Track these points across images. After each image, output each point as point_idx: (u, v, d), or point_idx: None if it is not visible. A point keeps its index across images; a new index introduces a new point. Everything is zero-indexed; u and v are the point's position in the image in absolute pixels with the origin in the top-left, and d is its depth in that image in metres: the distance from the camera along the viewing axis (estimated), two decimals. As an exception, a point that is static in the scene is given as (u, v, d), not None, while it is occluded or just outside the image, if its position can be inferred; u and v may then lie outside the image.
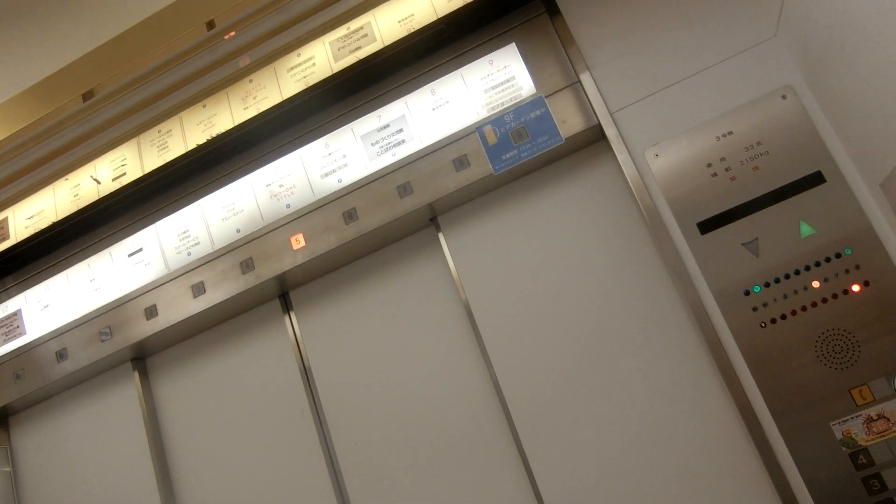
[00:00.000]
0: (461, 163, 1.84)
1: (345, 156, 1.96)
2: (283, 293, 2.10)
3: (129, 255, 2.13)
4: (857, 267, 1.49)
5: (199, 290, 2.01)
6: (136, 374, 2.15)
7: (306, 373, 2.02)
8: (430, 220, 1.97)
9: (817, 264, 1.52)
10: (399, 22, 1.94)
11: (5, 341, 2.20)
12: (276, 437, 2.00)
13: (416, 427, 1.89)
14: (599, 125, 1.74)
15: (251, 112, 2.02)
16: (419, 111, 1.92)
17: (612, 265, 1.78)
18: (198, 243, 2.06)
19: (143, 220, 2.16)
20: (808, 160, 1.56)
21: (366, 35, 1.97)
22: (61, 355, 2.12)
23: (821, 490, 1.44)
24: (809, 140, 1.57)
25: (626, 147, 1.70)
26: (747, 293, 1.55)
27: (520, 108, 1.83)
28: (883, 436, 1.42)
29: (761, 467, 1.50)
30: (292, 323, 2.07)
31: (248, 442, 2.03)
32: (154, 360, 2.20)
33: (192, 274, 2.03)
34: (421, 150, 1.89)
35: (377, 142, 1.94)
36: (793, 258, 1.54)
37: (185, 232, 2.08)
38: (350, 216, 1.91)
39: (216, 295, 1.99)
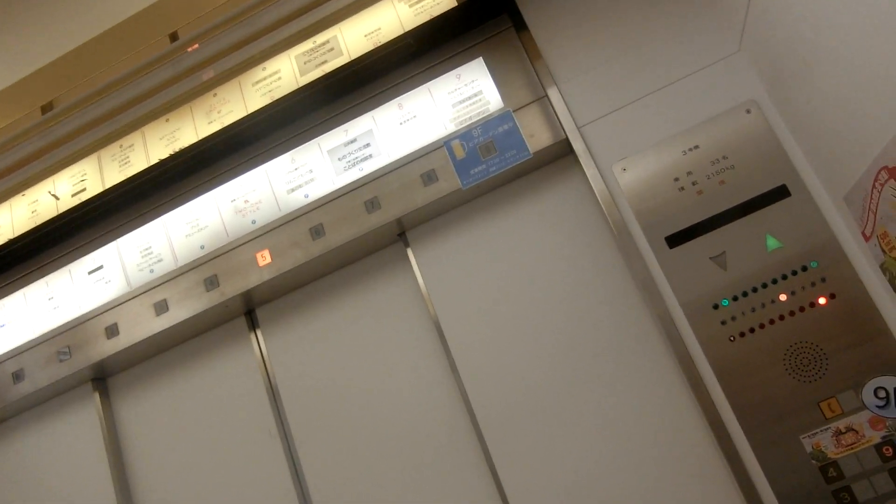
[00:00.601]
0: (429, 177, 1.83)
1: (311, 171, 1.94)
2: (249, 310, 2.06)
3: (90, 273, 2.07)
4: (823, 280, 1.50)
5: (161, 308, 1.97)
6: (97, 395, 2.09)
7: (273, 392, 1.98)
8: (399, 235, 1.95)
9: (784, 277, 1.52)
10: (366, 36, 1.93)
11: (-41, 362, 2.13)
12: (243, 459, 1.95)
13: (386, 445, 1.85)
14: (567, 139, 1.74)
15: (215, 126, 2.00)
16: (386, 125, 1.91)
17: (581, 279, 1.78)
18: (160, 260, 2.01)
19: (103, 237, 2.10)
20: (773, 174, 1.57)
21: (332, 49, 1.95)
22: (18, 376, 2.05)
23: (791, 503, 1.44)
24: (774, 154, 1.58)
25: (594, 161, 1.70)
26: (716, 307, 1.55)
27: (488, 123, 1.82)
28: (852, 448, 1.42)
29: (732, 481, 1.50)
30: (258, 341, 2.03)
31: (213, 464, 1.98)
32: (115, 381, 2.14)
33: (154, 291, 1.99)
34: (389, 165, 1.87)
35: (344, 156, 1.92)
36: (760, 271, 1.54)
37: (147, 249, 2.03)
38: (317, 232, 1.88)
39: (180, 313, 1.95)
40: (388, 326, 1.93)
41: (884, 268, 1.41)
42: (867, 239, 1.42)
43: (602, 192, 1.68)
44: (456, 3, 1.86)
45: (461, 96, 1.88)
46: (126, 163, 2.07)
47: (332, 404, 1.92)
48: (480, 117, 1.84)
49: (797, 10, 1.33)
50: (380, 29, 1.92)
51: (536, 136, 1.78)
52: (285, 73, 1.98)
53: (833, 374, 1.46)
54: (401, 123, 1.90)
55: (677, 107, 1.68)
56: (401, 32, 1.89)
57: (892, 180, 1.24)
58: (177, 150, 2.01)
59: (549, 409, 1.73)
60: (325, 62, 1.95)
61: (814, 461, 1.44)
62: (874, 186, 1.31)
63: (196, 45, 1.95)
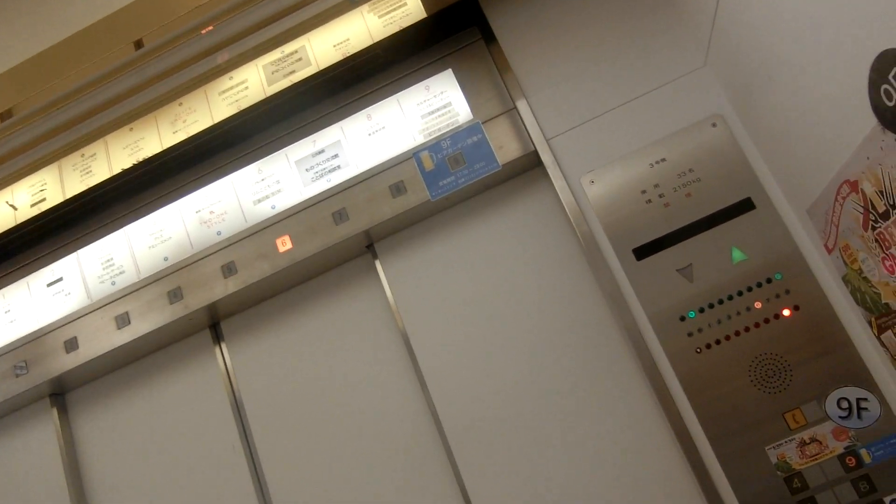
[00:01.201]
0: (398, 189, 1.82)
1: (278, 181, 1.92)
2: (214, 323, 2.03)
3: (48, 285, 2.02)
4: (787, 291, 1.52)
5: (123, 321, 1.92)
6: (55, 411, 2.03)
7: (238, 406, 1.95)
8: (367, 247, 1.93)
9: (749, 289, 1.54)
10: (335, 46, 1.92)
11: (-90, 378, 2.06)
12: (207, 475, 1.91)
13: (353, 460, 1.83)
14: (536, 151, 1.74)
15: (181, 136, 1.96)
16: (355, 136, 1.89)
17: (550, 291, 1.78)
18: (122, 272, 1.97)
19: (63, 248, 2.06)
20: (738, 187, 1.59)
21: (300, 59, 1.94)
22: (-28, 392, 1.99)
23: (757, 514, 1.45)
24: (739, 167, 1.60)
25: (563, 173, 1.70)
26: (683, 318, 1.56)
27: (457, 134, 1.82)
28: (816, 459, 1.44)
29: (699, 492, 1.50)
30: (223, 354, 2.00)
31: (176, 481, 1.93)
32: (74, 396, 2.08)
33: (116, 304, 1.94)
34: (357, 176, 1.86)
35: (312, 167, 1.90)
36: (725, 284, 1.56)
37: (108, 260, 1.99)
38: (284, 243, 1.86)
39: (142, 326, 1.91)
40: (355, 339, 1.91)
41: (846, 280, 1.43)
42: (830, 251, 1.45)
43: (570, 204, 1.68)
44: (425, 15, 1.86)
45: (430, 108, 1.87)
46: (88, 172, 2.03)
47: (298, 419, 1.89)
48: (449, 129, 1.84)
49: (761, 26, 1.36)
50: (349, 39, 1.91)
51: (505, 148, 1.79)
52: (252, 82, 1.96)
53: (797, 385, 1.48)
54: (369, 134, 1.89)
55: (644, 120, 1.69)
56: (370, 43, 1.88)
57: (854, 194, 1.26)
58: (140, 159, 1.97)
59: (516, 421, 1.73)
60: (293, 72, 1.93)
61: (779, 472, 1.45)
62: (836, 200, 1.33)
63: (161, 54, 1.92)
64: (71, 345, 1.94)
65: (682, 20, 1.72)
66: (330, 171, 1.88)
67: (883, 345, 1.38)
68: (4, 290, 2.06)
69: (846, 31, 1.10)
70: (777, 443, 1.46)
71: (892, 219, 1.17)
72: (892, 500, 1.39)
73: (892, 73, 1.02)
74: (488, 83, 1.85)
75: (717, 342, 1.53)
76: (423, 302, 1.85)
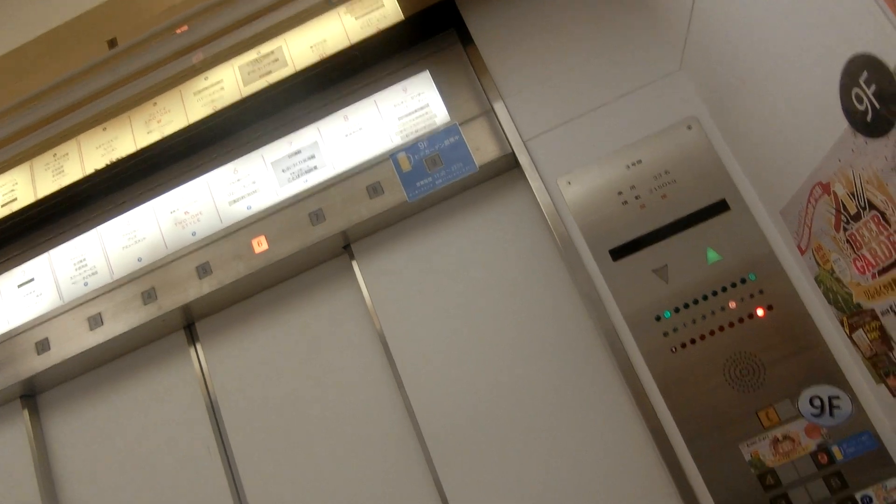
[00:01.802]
0: (375, 190, 1.82)
1: (254, 182, 1.91)
2: (189, 324, 2.01)
3: (19, 286, 1.99)
4: (761, 291, 1.54)
5: (96, 322, 1.90)
6: (26, 413, 2.00)
7: (213, 408, 1.93)
8: (344, 247, 1.93)
9: (724, 290, 1.56)
10: (311, 47, 1.92)
11: None
12: (181, 477, 1.89)
13: (329, 461, 1.82)
14: (513, 153, 1.75)
15: (155, 136, 1.95)
16: (332, 137, 1.89)
17: (527, 292, 1.79)
18: (95, 273, 1.94)
19: (35, 249, 2.02)
20: (712, 189, 1.61)
21: (277, 59, 1.93)
22: (-60, 394, 1.95)
23: (731, 512, 1.46)
24: (714, 169, 1.62)
25: (539, 175, 1.71)
26: (658, 318, 1.58)
27: (434, 136, 1.82)
28: (789, 456, 1.46)
29: (674, 490, 1.51)
30: (198, 355, 1.98)
31: (150, 483, 1.91)
32: (46, 398, 2.05)
33: (88, 305, 1.92)
34: (334, 177, 1.85)
35: (288, 168, 1.89)
36: (700, 284, 1.57)
37: (81, 261, 1.96)
38: (260, 244, 1.85)
39: (115, 327, 1.88)
40: (332, 340, 1.90)
41: (818, 280, 1.45)
42: (803, 252, 1.47)
43: (547, 205, 1.69)
44: (402, 17, 1.86)
45: (407, 109, 1.87)
46: (60, 172, 2.00)
47: (273, 420, 1.88)
48: (427, 130, 1.84)
49: (735, 30, 1.38)
50: (325, 41, 1.91)
51: (482, 150, 1.79)
52: (228, 82, 1.95)
53: (770, 383, 1.50)
54: (346, 135, 1.88)
55: (621, 122, 1.71)
56: (347, 45, 1.88)
57: (826, 196, 1.28)
58: (114, 159, 1.95)
59: (494, 422, 1.73)
60: (269, 73, 1.92)
61: (752, 469, 1.47)
62: (809, 201, 1.35)
63: (136, 52, 1.90)
64: (42, 346, 1.91)
65: (658, 24, 1.74)
66: (307, 172, 1.88)
67: (854, 344, 1.41)
68: (-26, 291, 2.02)
69: (818, 37, 1.12)
70: (751, 440, 1.48)
71: (863, 220, 1.19)
72: (863, 496, 1.41)
73: (862, 78, 1.04)
74: (465, 85, 1.86)
75: (692, 342, 1.55)
76: (400, 303, 1.85)
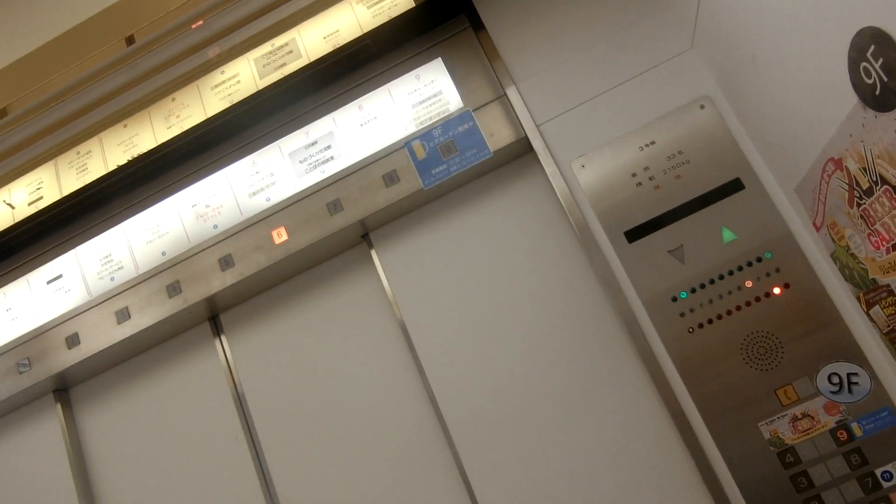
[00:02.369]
0: (391, 178, 1.83)
1: (272, 174, 1.93)
2: (213, 316, 2.05)
3: (48, 283, 2.04)
4: (778, 270, 1.54)
5: (123, 315, 1.94)
6: (59, 407, 2.06)
7: (239, 397, 1.97)
8: (362, 237, 1.95)
9: (740, 269, 1.56)
10: (324, 38, 1.93)
11: (-85, 377, 2.08)
12: (210, 466, 1.94)
13: (353, 449, 1.85)
14: (527, 137, 1.75)
15: (174, 131, 1.98)
16: (347, 127, 1.91)
17: (544, 276, 1.79)
18: (121, 268, 1.99)
19: (62, 246, 2.07)
20: (727, 168, 1.61)
21: (291, 51, 1.95)
22: (-24, 390, 2.01)
23: (752, 490, 1.47)
24: (727, 148, 1.62)
25: (553, 159, 1.72)
26: (675, 299, 1.58)
27: (448, 123, 1.83)
28: (808, 434, 1.46)
29: (695, 471, 1.52)
30: (223, 346, 2.02)
31: (180, 473, 1.96)
32: (77, 391, 2.10)
33: (115, 300, 1.96)
34: (350, 167, 1.87)
35: (305, 159, 1.92)
36: (716, 264, 1.57)
37: (107, 256, 2.01)
38: (280, 235, 1.87)
39: (142, 320, 1.93)
40: (353, 328, 1.93)
41: (834, 257, 1.44)
42: (818, 229, 1.46)
43: (562, 188, 1.70)
44: (414, 4, 1.87)
45: (421, 97, 1.88)
46: (84, 170, 2.04)
47: (298, 408, 1.92)
48: (440, 117, 1.85)
49: (745, 7, 1.37)
50: (338, 31, 1.92)
51: (496, 135, 1.80)
52: (244, 76, 1.97)
53: (788, 361, 1.49)
54: (361, 125, 1.90)
55: (633, 104, 1.70)
56: (359, 34, 1.89)
57: (839, 171, 1.27)
58: (135, 155, 1.99)
59: (516, 407, 1.75)
60: (284, 65, 1.94)
61: (772, 447, 1.47)
62: (822, 178, 1.34)
63: (153, 49, 1.93)
64: (73, 340, 1.96)
65: (669, 4, 1.72)
66: (323, 163, 1.90)
67: (871, 320, 1.40)
68: (5, 288, 2.07)
69: (826, 10, 1.11)
70: (770, 419, 1.48)
71: (875, 195, 1.19)
72: (883, 473, 1.41)
73: (870, 51, 1.03)
74: (478, 71, 1.86)
75: (710, 321, 1.55)
76: (418, 290, 1.87)
